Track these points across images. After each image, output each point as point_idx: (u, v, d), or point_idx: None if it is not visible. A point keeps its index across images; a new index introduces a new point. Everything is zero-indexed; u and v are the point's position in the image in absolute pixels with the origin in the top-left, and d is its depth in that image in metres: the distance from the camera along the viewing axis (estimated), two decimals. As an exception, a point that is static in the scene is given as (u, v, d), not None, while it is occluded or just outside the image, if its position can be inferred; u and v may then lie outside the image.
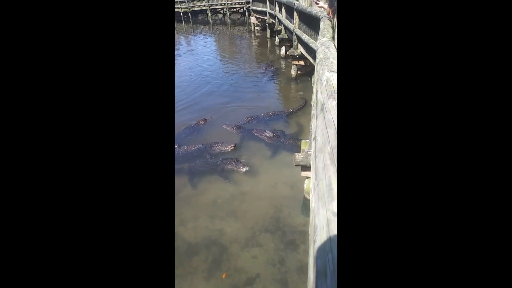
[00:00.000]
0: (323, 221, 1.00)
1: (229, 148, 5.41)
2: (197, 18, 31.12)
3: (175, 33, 23.57)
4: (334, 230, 0.93)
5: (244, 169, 4.79)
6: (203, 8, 29.64)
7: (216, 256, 3.42)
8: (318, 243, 0.96)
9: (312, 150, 2.05)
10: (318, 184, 1.21)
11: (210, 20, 28.70)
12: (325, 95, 1.86)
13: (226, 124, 6.44)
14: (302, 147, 3.93)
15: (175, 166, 5.01)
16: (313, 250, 0.99)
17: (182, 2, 29.06)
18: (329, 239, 0.92)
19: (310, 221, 1.47)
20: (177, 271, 3.23)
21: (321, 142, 1.44)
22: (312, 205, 1.39)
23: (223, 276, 3.19)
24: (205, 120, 6.76)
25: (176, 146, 5.65)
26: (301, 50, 8.78)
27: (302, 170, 3.83)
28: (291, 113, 6.95)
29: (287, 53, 10.87)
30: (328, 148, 1.33)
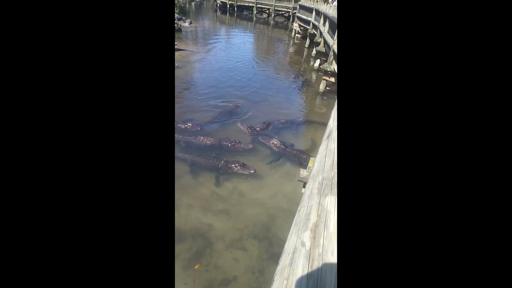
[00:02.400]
0: (291, 247, 1.04)
1: (247, 148, 5.41)
2: (242, 13, 31.51)
3: (217, 22, 24.02)
4: (297, 259, 0.96)
5: (251, 172, 4.78)
6: (250, 4, 29.97)
7: (200, 248, 3.50)
8: (280, 267, 0.99)
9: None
10: (299, 210, 1.23)
11: (254, 18, 28.97)
12: (336, 123, 1.86)
13: (240, 123, 6.50)
14: (309, 164, 3.91)
15: (181, 154, 5.12)
16: (276, 269, 1.03)
17: (231, -5, 29.61)
18: (290, 266, 0.95)
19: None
20: (160, 253, 3.34)
21: (316, 170, 1.46)
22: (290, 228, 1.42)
23: (196, 267, 3.27)
24: (237, 106, 7.33)
25: (198, 129, 5.91)
26: (334, 67, 8.69)
27: (303, 187, 3.83)
28: (303, 122, 7.00)
29: (321, 66, 10.78)
30: (320, 177, 1.35)
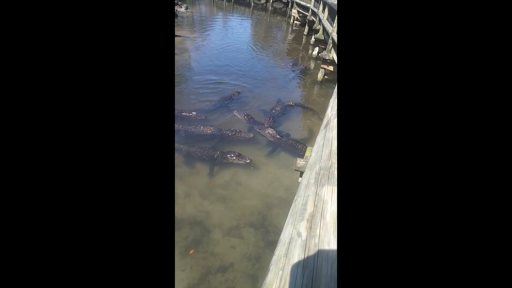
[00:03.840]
0: (287, 237, 1.03)
1: (247, 137, 5.38)
2: (240, -2, 30.76)
3: (214, 7, 23.42)
4: (292, 249, 0.96)
5: (247, 161, 4.76)
6: (248, -11, 29.17)
7: (197, 236, 3.53)
8: (275, 257, 0.99)
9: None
10: (296, 200, 1.23)
11: (252, 4, 28.25)
12: (334, 112, 1.83)
13: (237, 111, 6.40)
14: (306, 153, 3.91)
15: (176, 144, 5.01)
16: (271, 259, 1.04)
17: (229, -21, 28.73)
18: (286, 256, 0.95)
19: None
20: (157, 241, 3.37)
21: (313, 159, 1.45)
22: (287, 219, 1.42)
23: (191, 252, 3.31)
24: (238, 92, 7.40)
25: (202, 117, 5.84)
26: (333, 55, 8.56)
27: (300, 176, 3.84)
28: (299, 111, 7.04)
29: (319, 54, 10.64)
30: (317, 167, 1.34)
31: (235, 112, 6.38)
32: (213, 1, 27.17)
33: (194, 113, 5.94)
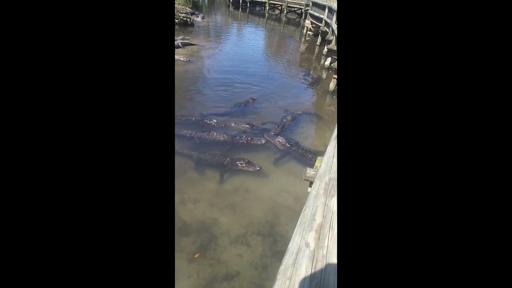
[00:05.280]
0: (295, 247, 1.04)
1: (259, 143, 5.45)
2: (255, 8, 31.38)
3: (229, 17, 24.01)
4: (300, 260, 0.96)
5: (257, 169, 4.77)
6: (263, 0, 29.80)
7: (205, 243, 3.54)
8: (283, 266, 0.99)
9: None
10: (305, 210, 1.23)
11: (266, 14, 28.77)
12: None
13: (235, 122, 6.31)
14: (316, 163, 3.89)
15: (187, 151, 5.10)
16: (279, 269, 1.04)
17: (244, -10, 29.54)
18: (293, 266, 0.95)
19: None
20: (165, 245, 3.40)
21: (323, 170, 1.45)
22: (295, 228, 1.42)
23: (196, 256, 3.31)
24: (253, 99, 7.61)
25: (223, 125, 6.01)
26: (345, 65, 8.56)
27: (309, 186, 3.81)
28: (310, 120, 7.03)
29: (331, 65, 10.67)
30: (327, 178, 1.34)
31: (232, 124, 6.24)
32: (229, 11, 27.89)
33: (215, 120, 6.11)
